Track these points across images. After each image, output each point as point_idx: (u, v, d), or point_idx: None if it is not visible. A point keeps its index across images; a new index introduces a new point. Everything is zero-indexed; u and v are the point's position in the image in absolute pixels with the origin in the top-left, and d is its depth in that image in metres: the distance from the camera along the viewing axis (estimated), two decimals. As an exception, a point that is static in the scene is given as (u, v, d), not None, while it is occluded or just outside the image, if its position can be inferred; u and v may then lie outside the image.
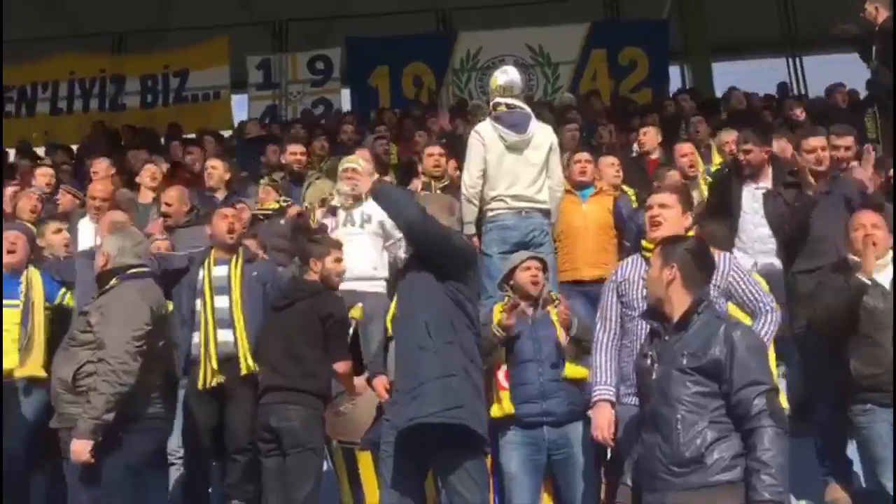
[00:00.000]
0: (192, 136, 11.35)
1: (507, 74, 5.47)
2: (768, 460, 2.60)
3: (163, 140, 11.30)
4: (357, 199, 5.71)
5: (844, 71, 11.95)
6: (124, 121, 13.17)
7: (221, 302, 4.76)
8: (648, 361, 2.91)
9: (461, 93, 13.90)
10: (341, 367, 4.59)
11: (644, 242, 3.80)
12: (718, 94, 12.13)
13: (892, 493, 3.57)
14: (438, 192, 5.97)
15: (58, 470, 4.91)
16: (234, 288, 4.78)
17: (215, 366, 4.58)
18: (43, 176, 7.36)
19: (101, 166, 7.35)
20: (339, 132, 9.35)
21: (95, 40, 14.36)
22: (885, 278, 3.82)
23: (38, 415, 4.72)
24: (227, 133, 12.27)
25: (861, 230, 3.91)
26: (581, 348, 4.23)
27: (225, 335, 4.68)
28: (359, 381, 4.63)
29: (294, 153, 7.24)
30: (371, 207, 5.70)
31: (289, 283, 4.91)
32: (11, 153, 10.33)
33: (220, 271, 4.84)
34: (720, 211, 5.32)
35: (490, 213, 5.32)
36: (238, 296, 4.76)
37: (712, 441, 2.69)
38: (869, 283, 3.73)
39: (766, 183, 5.20)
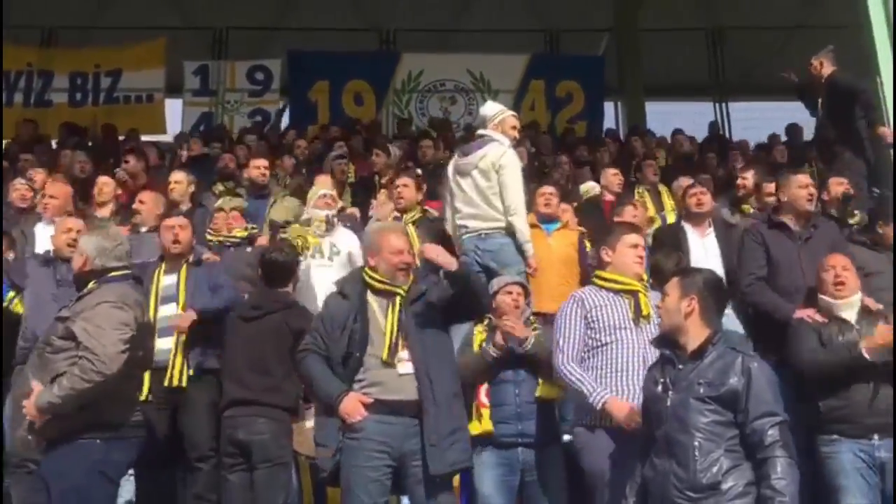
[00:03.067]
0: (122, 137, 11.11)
1: (482, 109, 5.68)
2: (782, 489, 2.73)
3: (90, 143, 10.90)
4: (328, 228, 5.65)
5: (768, 119, 12.69)
6: (51, 118, 12.69)
7: (169, 310, 4.68)
8: (660, 388, 2.99)
9: (401, 113, 13.99)
10: None
11: (603, 273, 3.90)
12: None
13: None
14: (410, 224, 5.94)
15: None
16: (181, 296, 4.71)
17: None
18: None
19: (40, 177, 6.88)
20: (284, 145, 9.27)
21: (23, 32, 13.74)
22: (850, 314, 4.07)
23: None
24: (159, 137, 12.01)
25: (832, 271, 4.13)
26: (545, 369, 4.26)
27: (164, 343, 4.56)
28: None
29: (258, 167, 7.11)
30: (340, 239, 5.67)
31: (258, 294, 4.80)
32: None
33: (168, 280, 4.79)
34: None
35: (460, 241, 5.40)
36: (184, 303, 4.69)
37: (728, 469, 2.80)
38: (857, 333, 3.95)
39: (710, 230, 5.49)
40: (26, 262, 5.07)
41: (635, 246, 3.87)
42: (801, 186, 4.79)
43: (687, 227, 5.55)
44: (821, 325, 4.08)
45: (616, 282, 3.80)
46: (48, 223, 5.63)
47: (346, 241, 5.67)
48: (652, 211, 6.98)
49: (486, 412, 4.22)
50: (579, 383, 3.63)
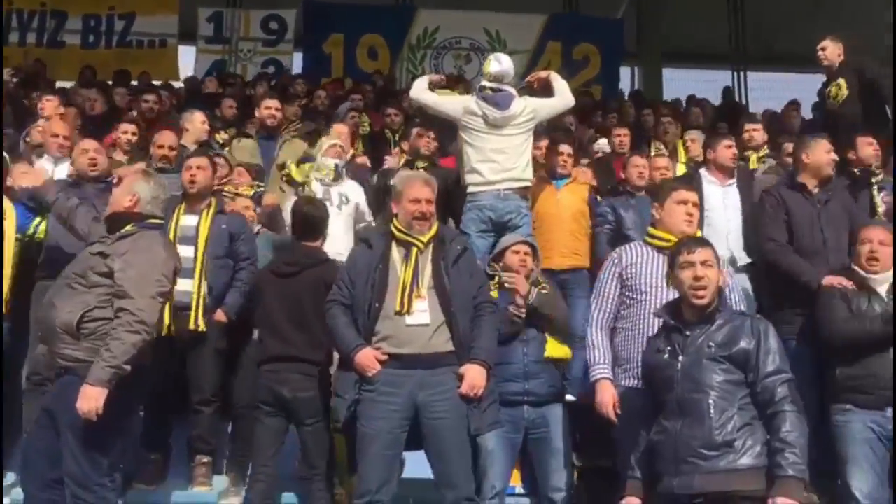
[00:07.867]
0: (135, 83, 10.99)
1: (500, 65, 5.41)
2: (792, 441, 2.79)
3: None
4: (336, 178, 5.60)
5: (786, 89, 12.49)
6: (63, 59, 12.65)
7: (186, 252, 4.60)
8: (668, 356, 3.03)
9: (415, 70, 13.83)
10: None
11: (651, 230, 3.81)
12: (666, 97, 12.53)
13: (855, 492, 3.77)
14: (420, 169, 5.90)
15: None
16: (200, 238, 4.71)
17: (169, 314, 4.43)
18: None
19: (51, 104, 6.97)
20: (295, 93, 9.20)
21: (37, -29, 13.63)
22: (882, 289, 4.03)
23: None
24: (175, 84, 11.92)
25: (868, 245, 4.09)
26: (552, 326, 4.38)
27: (184, 285, 4.50)
28: None
29: (269, 108, 7.09)
30: (349, 189, 5.63)
31: (292, 250, 4.69)
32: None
33: (188, 221, 4.78)
34: None
35: (469, 190, 5.32)
36: (203, 246, 4.69)
37: (741, 426, 2.86)
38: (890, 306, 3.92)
39: (732, 181, 5.42)
40: (52, 183, 5.00)
41: (685, 202, 3.74)
42: (827, 151, 4.77)
43: (705, 175, 5.48)
44: (850, 293, 4.05)
45: (661, 239, 3.70)
46: (50, 160, 5.63)
47: (354, 191, 5.62)
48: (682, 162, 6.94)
49: None
50: (590, 350, 3.70)
